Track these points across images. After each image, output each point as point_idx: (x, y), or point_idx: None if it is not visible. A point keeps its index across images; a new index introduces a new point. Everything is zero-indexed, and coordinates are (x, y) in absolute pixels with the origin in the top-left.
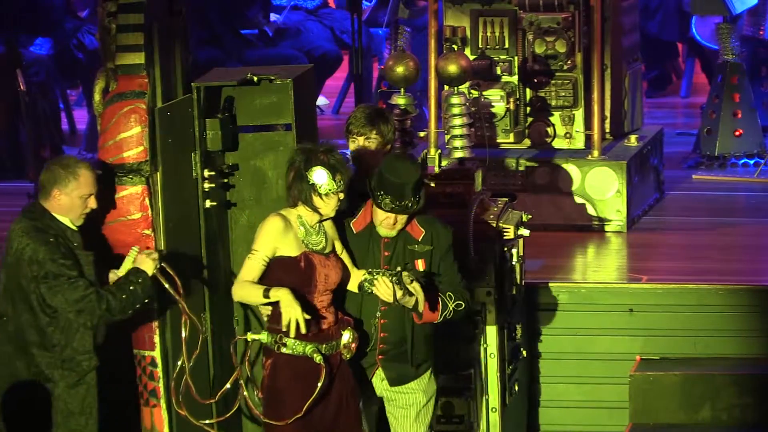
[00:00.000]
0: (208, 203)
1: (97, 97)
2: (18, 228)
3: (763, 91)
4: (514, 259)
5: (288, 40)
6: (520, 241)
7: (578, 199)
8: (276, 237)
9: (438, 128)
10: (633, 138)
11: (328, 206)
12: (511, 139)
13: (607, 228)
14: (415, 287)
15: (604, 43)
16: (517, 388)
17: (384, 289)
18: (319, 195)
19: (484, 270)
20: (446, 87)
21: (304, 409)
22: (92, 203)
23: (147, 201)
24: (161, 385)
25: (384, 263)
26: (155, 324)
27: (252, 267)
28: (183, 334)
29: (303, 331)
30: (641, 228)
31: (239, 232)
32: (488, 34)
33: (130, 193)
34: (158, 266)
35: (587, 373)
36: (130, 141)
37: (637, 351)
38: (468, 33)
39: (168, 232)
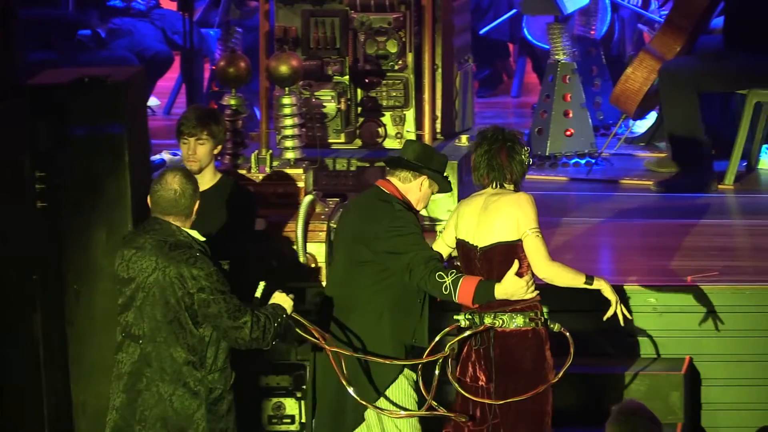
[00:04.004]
0: (39, 204)
1: None
2: (147, 249)
3: (594, 91)
4: None
5: (120, 41)
6: None
7: None
8: None
9: (269, 129)
10: (464, 138)
11: None
12: (343, 140)
13: (438, 227)
14: None
15: (435, 43)
16: None
17: None
18: (525, 173)
19: (316, 270)
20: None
21: (562, 372)
22: None
23: None
24: None
25: None
26: None
27: (544, 243)
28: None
29: (629, 317)
30: None
31: (71, 233)
32: (320, 34)
33: None
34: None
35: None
36: None
37: None
38: (299, 33)
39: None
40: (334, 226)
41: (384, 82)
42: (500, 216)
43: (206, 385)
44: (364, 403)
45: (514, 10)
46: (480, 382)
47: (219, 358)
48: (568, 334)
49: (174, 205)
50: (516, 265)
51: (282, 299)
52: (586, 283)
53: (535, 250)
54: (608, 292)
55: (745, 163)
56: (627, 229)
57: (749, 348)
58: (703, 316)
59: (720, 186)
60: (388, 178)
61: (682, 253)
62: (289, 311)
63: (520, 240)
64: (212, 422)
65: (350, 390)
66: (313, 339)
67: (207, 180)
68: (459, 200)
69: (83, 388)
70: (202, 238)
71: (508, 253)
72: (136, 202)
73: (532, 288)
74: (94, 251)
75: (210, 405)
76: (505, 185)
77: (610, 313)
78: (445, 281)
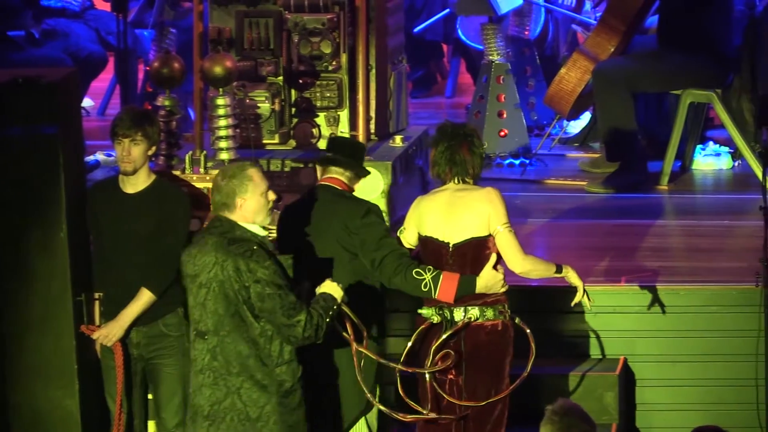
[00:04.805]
0: None
1: None
2: (209, 245)
3: (528, 92)
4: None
5: (54, 41)
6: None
7: None
8: None
9: (203, 129)
10: (398, 138)
11: None
12: (277, 140)
13: None
14: None
15: (369, 44)
16: None
17: None
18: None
19: None
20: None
21: (529, 367)
22: (272, 196)
23: None
24: None
25: None
26: None
27: (516, 238)
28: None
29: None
30: None
31: (5, 233)
32: (253, 35)
33: None
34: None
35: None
36: None
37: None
38: (233, 34)
39: None
40: (271, 227)
41: (318, 82)
42: (471, 211)
43: (275, 378)
44: (381, 407)
45: (447, 10)
46: (449, 376)
47: (285, 350)
48: (528, 330)
49: (216, 199)
50: (494, 258)
51: (332, 288)
52: (556, 272)
53: (510, 246)
54: (575, 279)
55: (679, 164)
56: (561, 230)
57: (684, 348)
58: (637, 317)
59: (654, 186)
60: (332, 176)
61: (617, 253)
62: (339, 300)
63: (490, 235)
64: (284, 415)
65: (369, 395)
66: (345, 334)
67: (141, 181)
68: (392, 202)
69: (18, 390)
70: (264, 233)
71: (480, 248)
72: (70, 203)
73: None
74: (27, 251)
75: (281, 398)
76: (467, 180)
77: (577, 299)
78: (425, 278)
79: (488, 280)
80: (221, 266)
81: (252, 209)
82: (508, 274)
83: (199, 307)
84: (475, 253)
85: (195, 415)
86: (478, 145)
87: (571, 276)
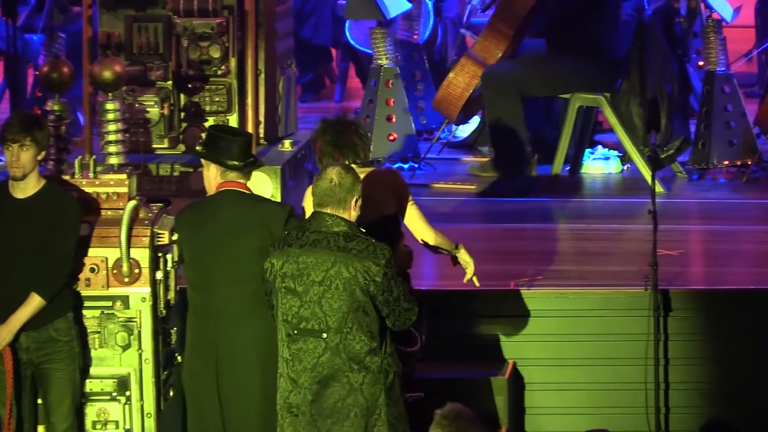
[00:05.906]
0: None
1: None
2: (322, 243)
3: (416, 96)
4: (169, 264)
5: None
6: (175, 246)
7: None
8: None
9: (93, 134)
10: (287, 143)
11: None
12: (166, 144)
13: None
14: None
15: (258, 48)
16: (172, 393)
17: None
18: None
19: (139, 276)
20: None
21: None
22: None
23: None
24: None
25: None
26: None
27: (421, 211)
28: None
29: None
30: None
31: None
32: (143, 39)
33: None
34: None
35: None
36: None
37: None
38: (123, 39)
39: None
40: (160, 231)
41: (207, 87)
42: (382, 190)
43: (384, 370)
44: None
45: None
46: None
47: (387, 341)
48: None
49: (329, 194)
50: (402, 236)
51: None
52: (455, 248)
53: (419, 217)
54: (466, 256)
55: (568, 167)
56: (450, 234)
57: (573, 352)
58: (526, 321)
59: (543, 190)
60: (235, 179)
61: (505, 257)
62: None
63: (398, 213)
64: (391, 407)
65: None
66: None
67: (31, 186)
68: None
69: None
70: (362, 231)
71: (389, 225)
72: None
73: None
74: None
75: (387, 390)
76: (358, 162)
77: (468, 276)
78: None
79: (402, 258)
80: (344, 264)
81: (358, 208)
82: None
83: (311, 305)
84: (386, 229)
85: (290, 411)
86: (364, 132)
87: (463, 253)
